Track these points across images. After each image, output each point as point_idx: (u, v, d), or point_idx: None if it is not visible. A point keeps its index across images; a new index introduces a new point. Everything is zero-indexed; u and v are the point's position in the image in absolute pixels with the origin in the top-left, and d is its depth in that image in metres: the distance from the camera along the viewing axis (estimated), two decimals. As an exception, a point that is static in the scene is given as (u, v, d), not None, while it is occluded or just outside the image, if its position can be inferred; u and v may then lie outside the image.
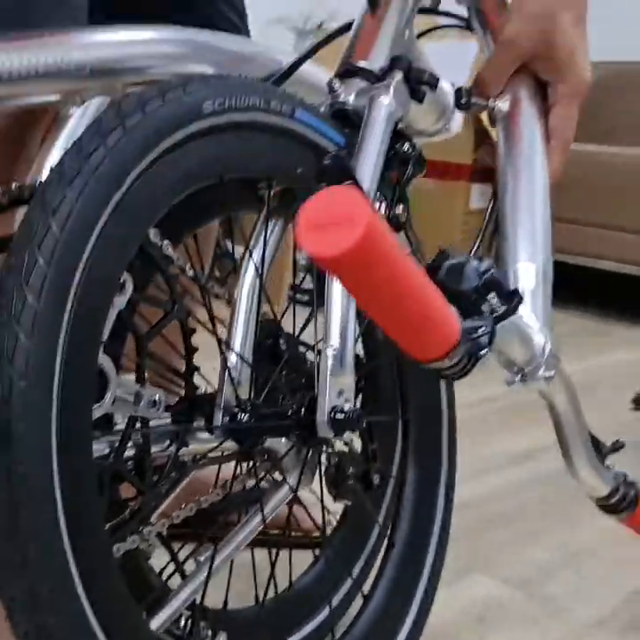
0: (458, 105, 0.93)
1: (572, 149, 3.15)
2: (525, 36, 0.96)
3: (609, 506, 1.03)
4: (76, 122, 0.89)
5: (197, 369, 0.84)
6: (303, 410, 0.86)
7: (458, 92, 0.94)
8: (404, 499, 1.08)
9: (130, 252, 0.69)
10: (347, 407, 0.80)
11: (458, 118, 1.06)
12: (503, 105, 0.97)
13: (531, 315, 0.81)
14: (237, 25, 1.17)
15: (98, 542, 0.65)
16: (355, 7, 1.08)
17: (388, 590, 1.04)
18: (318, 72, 1.04)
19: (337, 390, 0.81)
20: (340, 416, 0.80)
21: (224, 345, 0.85)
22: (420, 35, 1.08)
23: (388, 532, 1.07)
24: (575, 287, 3.26)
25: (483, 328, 0.69)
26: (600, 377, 2.31)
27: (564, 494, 1.51)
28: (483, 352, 0.67)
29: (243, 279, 0.89)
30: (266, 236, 0.89)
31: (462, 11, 1.09)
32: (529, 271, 0.84)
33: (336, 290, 0.80)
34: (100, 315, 0.67)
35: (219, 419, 0.82)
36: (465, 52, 2.89)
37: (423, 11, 1.02)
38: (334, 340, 0.80)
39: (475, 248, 0.91)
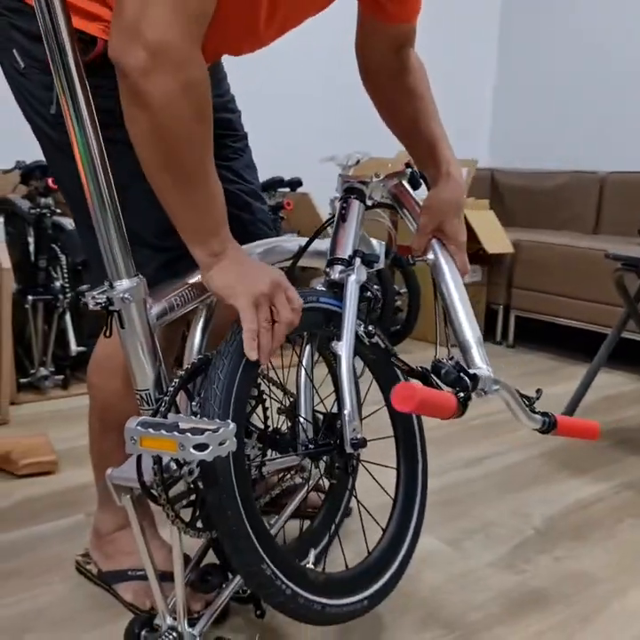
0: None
1: (537, 240, 3.36)
2: (431, 226, 1.22)
3: (542, 430, 1.20)
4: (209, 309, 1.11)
5: (269, 426, 1.11)
6: (337, 441, 1.09)
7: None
8: (400, 479, 1.26)
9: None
10: (358, 436, 1.04)
11: (382, 254, 1.30)
12: (430, 257, 1.23)
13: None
14: (259, 190, 1.33)
15: (250, 501, 0.95)
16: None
17: (393, 532, 1.23)
18: (319, 245, 1.25)
19: (352, 429, 1.04)
20: (355, 442, 1.04)
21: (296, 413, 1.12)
22: (371, 207, 1.27)
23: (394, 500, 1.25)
24: (540, 337, 3.42)
25: None
26: (551, 402, 2.40)
27: (489, 488, 1.80)
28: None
29: (300, 376, 1.16)
30: (311, 352, 1.19)
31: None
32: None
33: (346, 380, 1.03)
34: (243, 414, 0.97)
35: (300, 448, 1.10)
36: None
37: (370, 207, 1.28)
38: (348, 405, 1.04)
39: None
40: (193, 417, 0.93)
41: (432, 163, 1.25)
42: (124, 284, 0.95)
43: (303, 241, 1.26)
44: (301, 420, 1.13)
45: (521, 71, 4.34)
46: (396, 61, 1.23)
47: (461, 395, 1.03)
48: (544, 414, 1.21)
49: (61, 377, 2.38)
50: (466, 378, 1.06)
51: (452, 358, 1.10)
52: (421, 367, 1.11)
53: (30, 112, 1.07)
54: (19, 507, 1.62)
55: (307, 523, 1.34)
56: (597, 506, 1.73)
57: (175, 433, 0.84)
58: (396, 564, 1.20)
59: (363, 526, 1.23)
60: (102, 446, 1.22)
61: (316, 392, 1.17)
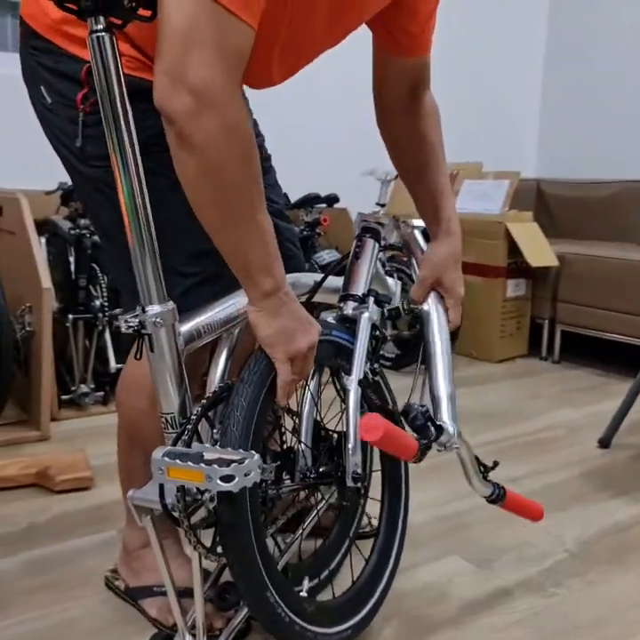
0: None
1: (583, 253, 3.33)
2: (430, 278, 1.27)
3: (489, 499, 1.32)
4: (233, 338, 1.14)
5: (284, 449, 1.16)
6: (339, 473, 1.16)
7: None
8: (384, 511, 1.31)
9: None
10: (359, 471, 1.11)
11: (397, 294, 1.39)
12: (425, 306, 1.28)
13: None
14: (284, 210, 1.35)
15: (261, 532, 0.99)
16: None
17: (375, 561, 1.27)
18: (333, 281, 1.29)
19: (354, 463, 1.10)
20: (356, 476, 1.10)
21: (298, 439, 1.16)
22: (384, 248, 1.34)
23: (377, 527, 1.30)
24: (587, 352, 3.37)
25: None
26: (595, 420, 2.42)
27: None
28: None
29: (304, 404, 1.18)
30: (317, 382, 1.24)
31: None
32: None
33: (353, 415, 1.10)
34: (261, 440, 1.02)
35: (297, 476, 1.14)
36: (500, 188, 3.24)
37: (383, 248, 1.31)
38: (351, 441, 1.10)
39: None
40: (215, 446, 0.97)
41: (434, 218, 1.30)
42: (155, 308, 0.98)
43: (319, 276, 1.29)
44: (302, 447, 1.16)
45: (569, 77, 4.30)
46: (410, 100, 1.28)
47: (423, 442, 1.09)
48: (495, 485, 1.31)
49: (101, 393, 2.46)
50: (432, 427, 1.12)
51: (423, 406, 1.14)
52: (393, 407, 1.15)
53: (58, 145, 1.13)
54: (55, 521, 1.69)
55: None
56: (636, 529, 1.70)
57: (202, 464, 0.86)
58: (377, 594, 1.23)
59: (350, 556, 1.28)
60: (130, 463, 1.26)
61: (321, 420, 1.19)
